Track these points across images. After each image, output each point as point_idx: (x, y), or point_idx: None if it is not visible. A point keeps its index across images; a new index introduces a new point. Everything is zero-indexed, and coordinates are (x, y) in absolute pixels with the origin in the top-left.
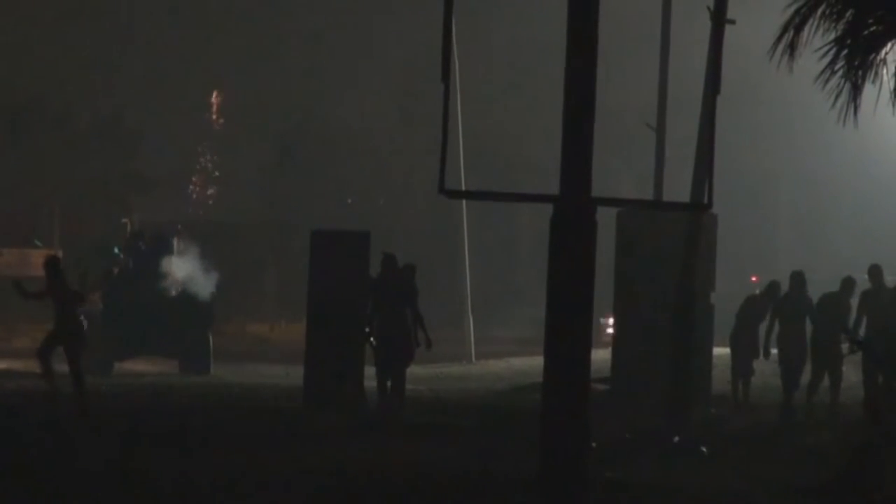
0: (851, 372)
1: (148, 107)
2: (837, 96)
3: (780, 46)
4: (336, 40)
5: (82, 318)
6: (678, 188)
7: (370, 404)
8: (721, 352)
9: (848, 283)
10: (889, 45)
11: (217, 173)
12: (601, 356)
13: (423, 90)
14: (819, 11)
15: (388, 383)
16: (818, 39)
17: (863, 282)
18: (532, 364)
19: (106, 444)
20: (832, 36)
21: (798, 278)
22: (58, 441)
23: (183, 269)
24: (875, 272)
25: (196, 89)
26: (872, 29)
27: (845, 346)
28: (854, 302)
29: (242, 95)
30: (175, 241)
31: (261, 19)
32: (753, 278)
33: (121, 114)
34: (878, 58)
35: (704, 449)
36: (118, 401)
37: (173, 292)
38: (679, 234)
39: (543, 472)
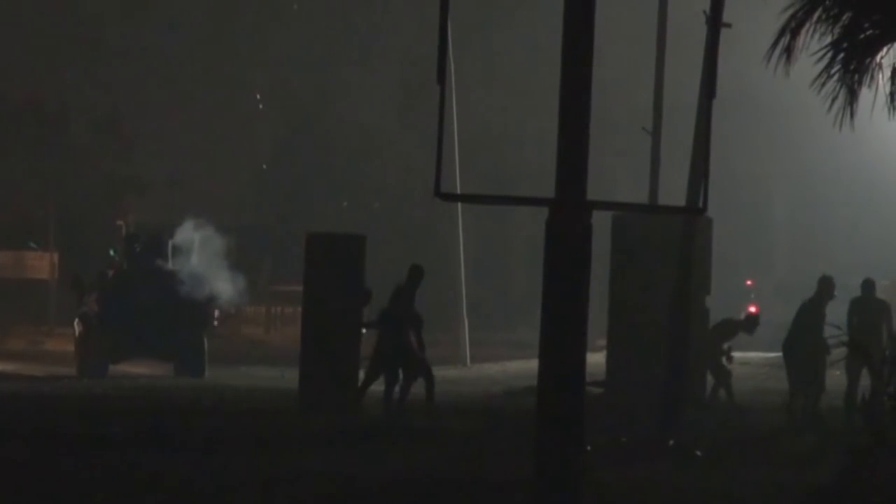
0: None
1: (144, 108)
2: (834, 100)
3: (777, 50)
4: (333, 43)
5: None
6: (674, 191)
7: (366, 408)
8: None
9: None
10: (885, 48)
11: (212, 175)
12: (596, 359)
13: (420, 93)
14: (815, 15)
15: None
16: (814, 43)
17: (855, 288)
18: (527, 367)
19: (101, 447)
20: (828, 40)
21: (828, 284)
22: (52, 443)
23: (197, 270)
24: (867, 285)
25: (191, 91)
26: (869, 33)
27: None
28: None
29: (238, 97)
30: (170, 244)
31: (256, 22)
32: (748, 282)
33: (117, 116)
34: (875, 62)
35: (699, 452)
36: (113, 403)
37: (194, 293)
38: (675, 238)
39: (538, 475)
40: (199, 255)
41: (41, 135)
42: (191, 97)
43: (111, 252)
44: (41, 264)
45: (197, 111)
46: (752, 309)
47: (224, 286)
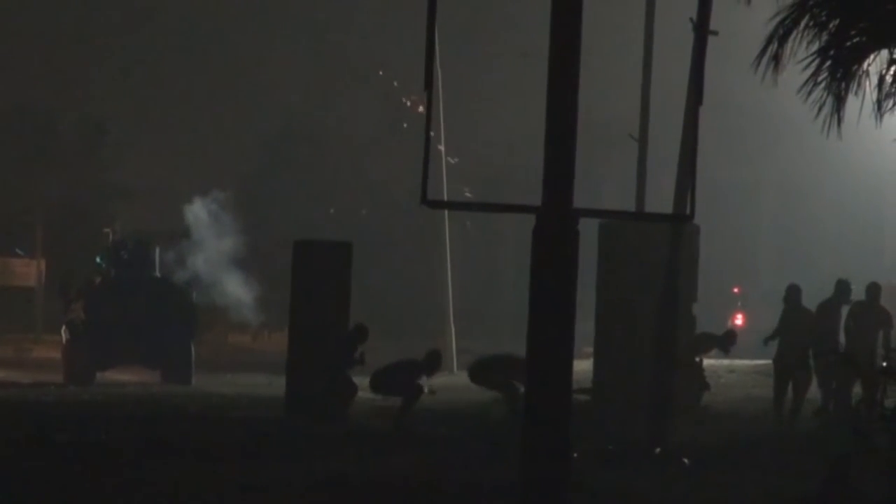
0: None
1: (132, 115)
2: (821, 107)
3: (765, 58)
4: (321, 50)
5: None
6: (663, 198)
7: (353, 414)
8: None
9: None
10: (872, 56)
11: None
12: (583, 366)
13: (407, 99)
14: (803, 23)
15: None
16: (802, 51)
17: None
18: None
19: (88, 454)
20: (816, 47)
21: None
22: (39, 451)
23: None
24: (872, 290)
25: (179, 98)
26: (855, 40)
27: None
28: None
29: (226, 104)
30: (157, 251)
31: (245, 29)
32: (735, 289)
33: (104, 122)
34: (861, 69)
35: (686, 460)
36: (100, 410)
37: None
38: (662, 245)
39: (525, 482)
40: (210, 233)
41: (28, 141)
42: (178, 105)
43: (98, 259)
44: (28, 271)
45: (184, 119)
46: (738, 322)
47: (233, 283)
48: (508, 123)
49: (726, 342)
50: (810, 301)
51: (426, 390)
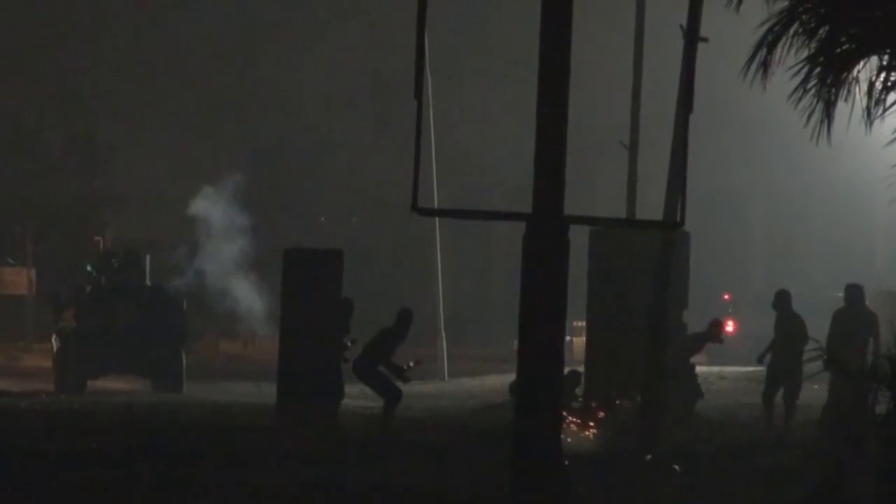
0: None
1: (121, 124)
2: (810, 114)
3: (754, 65)
4: (311, 57)
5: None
6: (655, 205)
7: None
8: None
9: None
10: (862, 63)
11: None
12: None
13: (397, 106)
14: (792, 30)
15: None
16: (791, 58)
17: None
18: (505, 381)
19: (79, 463)
20: (805, 54)
21: (786, 296)
22: (29, 460)
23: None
24: (856, 292)
25: (168, 107)
26: (845, 47)
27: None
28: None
29: (216, 111)
30: (147, 259)
31: (234, 36)
32: (726, 296)
33: (94, 131)
34: (851, 76)
35: (677, 466)
36: (91, 419)
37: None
38: (652, 252)
39: (516, 489)
40: (219, 230)
41: (18, 150)
42: (169, 113)
43: (89, 268)
44: (19, 280)
45: (175, 127)
46: (729, 329)
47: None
48: (498, 130)
49: (715, 333)
50: (812, 307)
51: (408, 365)
